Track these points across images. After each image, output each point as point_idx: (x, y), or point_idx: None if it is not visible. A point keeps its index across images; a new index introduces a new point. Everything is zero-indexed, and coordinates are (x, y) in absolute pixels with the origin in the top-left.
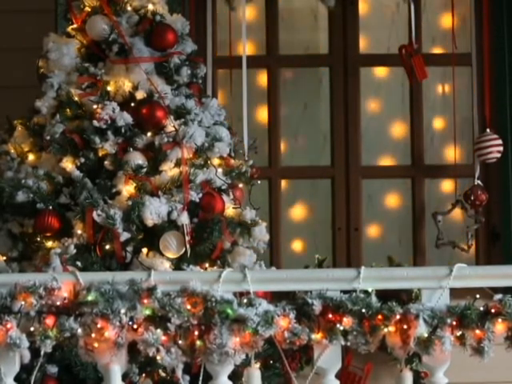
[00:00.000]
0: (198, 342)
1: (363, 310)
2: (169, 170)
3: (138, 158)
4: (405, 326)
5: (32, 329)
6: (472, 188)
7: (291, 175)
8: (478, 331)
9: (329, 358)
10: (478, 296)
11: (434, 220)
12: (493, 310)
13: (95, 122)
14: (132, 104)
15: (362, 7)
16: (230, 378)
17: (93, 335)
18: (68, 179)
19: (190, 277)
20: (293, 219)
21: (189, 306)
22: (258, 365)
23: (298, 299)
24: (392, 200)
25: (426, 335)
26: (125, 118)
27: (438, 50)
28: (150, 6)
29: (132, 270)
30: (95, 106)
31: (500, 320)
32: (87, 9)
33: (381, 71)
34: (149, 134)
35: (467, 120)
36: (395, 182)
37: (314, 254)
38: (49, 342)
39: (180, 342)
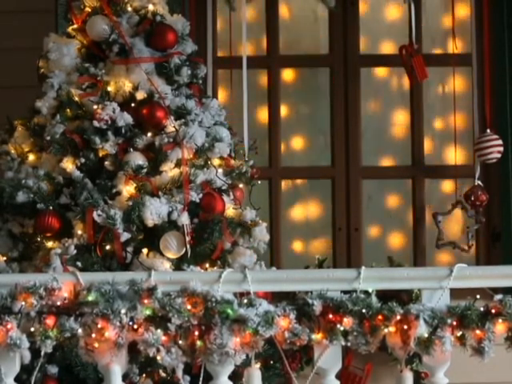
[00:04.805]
0: (199, 343)
1: (363, 311)
2: (169, 171)
3: (138, 159)
4: (405, 327)
5: (32, 329)
6: (472, 188)
7: (291, 175)
8: (478, 331)
9: (329, 359)
10: (478, 296)
11: (435, 220)
12: (493, 311)
13: (95, 123)
14: (132, 104)
15: (363, 7)
16: (230, 378)
17: (93, 335)
18: (68, 179)
19: (190, 277)
20: (293, 219)
21: (189, 306)
22: (258, 365)
23: (299, 299)
24: (392, 200)
25: (426, 335)
26: (125, 119)
27: (438, 51)
28: (151, 7)
29: (132, 271)
30: (95, 107)
31: (500, 320)
32: (87, 9)
33: (381, 71)
34: (149, 134)
35: (467, 120)
36: (395, 182)
37: (314, 254)
38: (49, 343)
39: (180, 342)
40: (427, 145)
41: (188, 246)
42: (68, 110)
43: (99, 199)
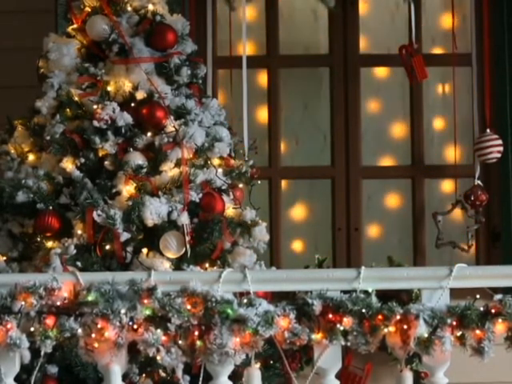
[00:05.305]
0: (198, 342)
1: (363, 310)
2: (169, 170)
3: (138, 158)
4: (405, 326)
5: (32, 329)
6: (472, 188)
7: (291, 175)
8: (478, 331)
9: (329, 358)
10: (478, 296)
11: (434, 220)
12: (493, 310)
13: (95, 122)
14: (132, 104)
15: (362, 7)
16: (230, 378)
17: (93, 335)
18: (68, 179)
19: (190, 277)
20: (293, 219)
21: (189, 306)
22: (258, 365)
23: (298, 299)
24: (392, 200)
25: (426, 335)
26: (125, 118)
27: (438, 50)
28: (150, 7)
29: (132, 270)
30: (95, 106)
31: (500, 320)
32: (87, 9)
33: (381, 71)
34: (149, 134)
35: (467, 120)
36: (395, 182)
37: (314, 254)
38: (49, 342)
39: (180, 342)
40: (427, 145)
41: (188, 246)
42: (68, 109)
43: (99, 199)
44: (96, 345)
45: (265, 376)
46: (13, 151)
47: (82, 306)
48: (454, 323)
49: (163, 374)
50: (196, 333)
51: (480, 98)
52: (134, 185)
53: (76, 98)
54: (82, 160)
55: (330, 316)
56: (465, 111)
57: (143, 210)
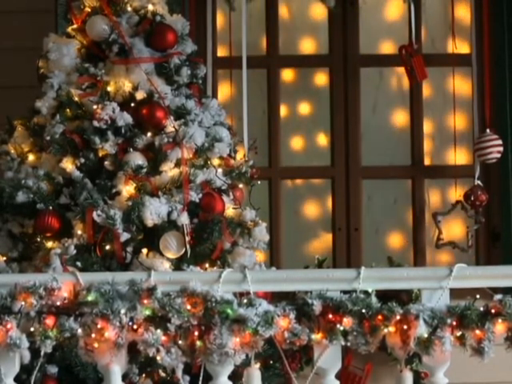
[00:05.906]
0: (198, 343)
1: (363, 311)
2: (169, 171)
3: (138, 159)
4: (405, 327)
5: (32, 329)
6: (472, 188)
7: (291, 175)
8: (478, 331)
9: (329, 359)
10: (478, 296)
11: (434, 220)
12: (493, 311)
13: (95, 123)
14: (132, 104)
15: (362, 7)
16: (230, 378)
17: (93, 335)
18: (68, 179)
19: (190, 277)
20: (293, 219)
21: (189, 307)
22: (258, 365)
23: (298, 299)
24: (392, 200)
25: (426, 335)
26: (125, 119)
27: (438, 51)
28: (150, 7)
29: (132, 271)
30: (95, 107)
31: (500, 320)
32: (87, 9)
33: (381, 71)
34: (149, 134)
35: (467, 120)
36: (395, 182)
37: (314, 254)
38: (49, 343)
39: (180, 342)
40: (427, 145)
41: (188, 246)
42: (68, 109)
43: (99, 199)
44: (96, 345)
45: (265, 376)
46: (13, 151)
47: (82, 306)
48: (454, 323)
49: (163, 374)
50: (196, 333)
51: (480, 98)
52: (134, 185)
53: (76, 98)
54: (82, 160)
55: (330, 316)
56: (465, 111)
57: (143, 210)
